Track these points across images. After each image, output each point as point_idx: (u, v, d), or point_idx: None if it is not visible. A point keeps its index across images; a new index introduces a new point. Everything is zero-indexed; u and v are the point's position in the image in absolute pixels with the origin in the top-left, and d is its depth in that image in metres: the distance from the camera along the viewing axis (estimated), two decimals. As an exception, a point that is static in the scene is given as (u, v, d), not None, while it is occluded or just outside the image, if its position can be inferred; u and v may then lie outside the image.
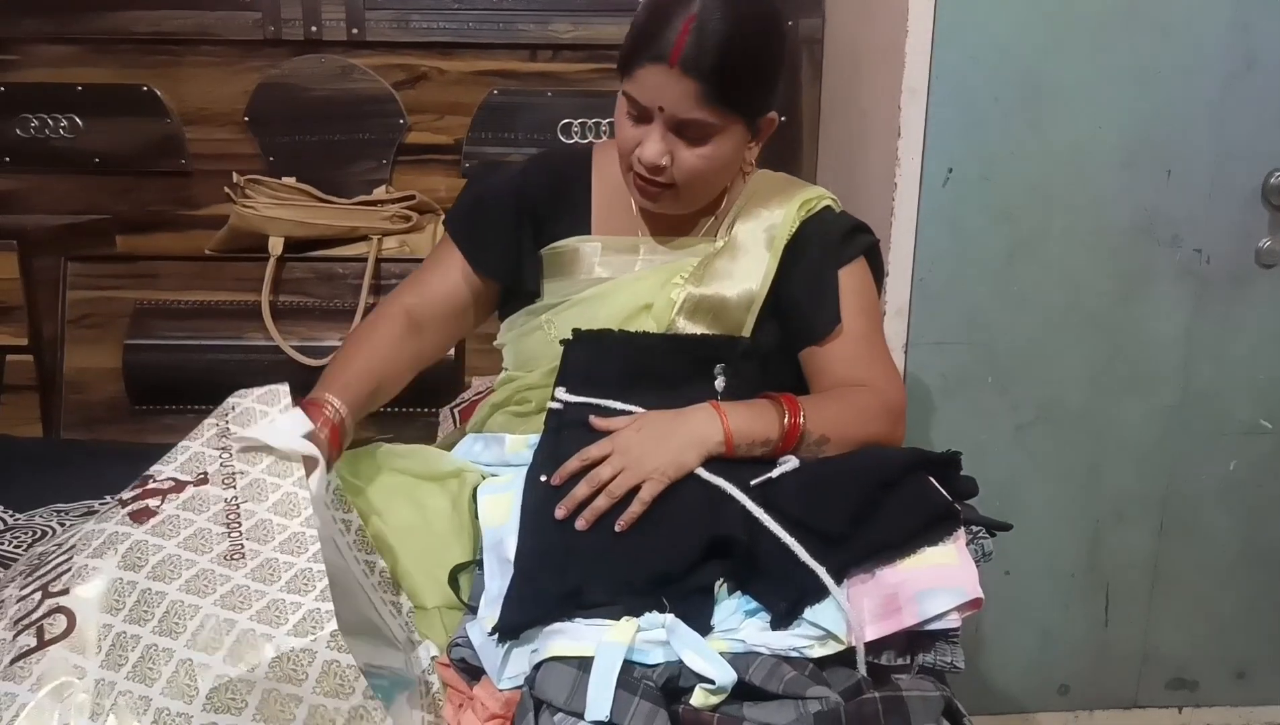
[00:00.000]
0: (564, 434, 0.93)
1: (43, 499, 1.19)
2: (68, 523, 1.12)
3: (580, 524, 0.86)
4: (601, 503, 0.86)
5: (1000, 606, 1.44)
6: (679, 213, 1.04)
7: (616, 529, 0.85)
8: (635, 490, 0.87)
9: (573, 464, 0.88)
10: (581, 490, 0.87)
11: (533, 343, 1.07)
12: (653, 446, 0.87)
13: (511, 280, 1.08)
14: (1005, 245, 1.31)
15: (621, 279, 1.04)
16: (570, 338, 1.00)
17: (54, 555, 0.86)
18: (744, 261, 1.02)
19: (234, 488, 0.84)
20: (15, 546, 1.08)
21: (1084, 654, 1.47)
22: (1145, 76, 1.26)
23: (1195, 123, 1.28)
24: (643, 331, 1.01)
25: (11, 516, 1.16)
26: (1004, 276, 1.32)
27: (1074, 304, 1.33)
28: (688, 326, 1.01)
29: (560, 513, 0.87)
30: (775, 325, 1.03)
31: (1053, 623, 1.46)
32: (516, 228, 1.07)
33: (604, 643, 0.77)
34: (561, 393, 0.96)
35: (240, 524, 0.82)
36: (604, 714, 0.73)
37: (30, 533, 1.11)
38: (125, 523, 0.81)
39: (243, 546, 0.80)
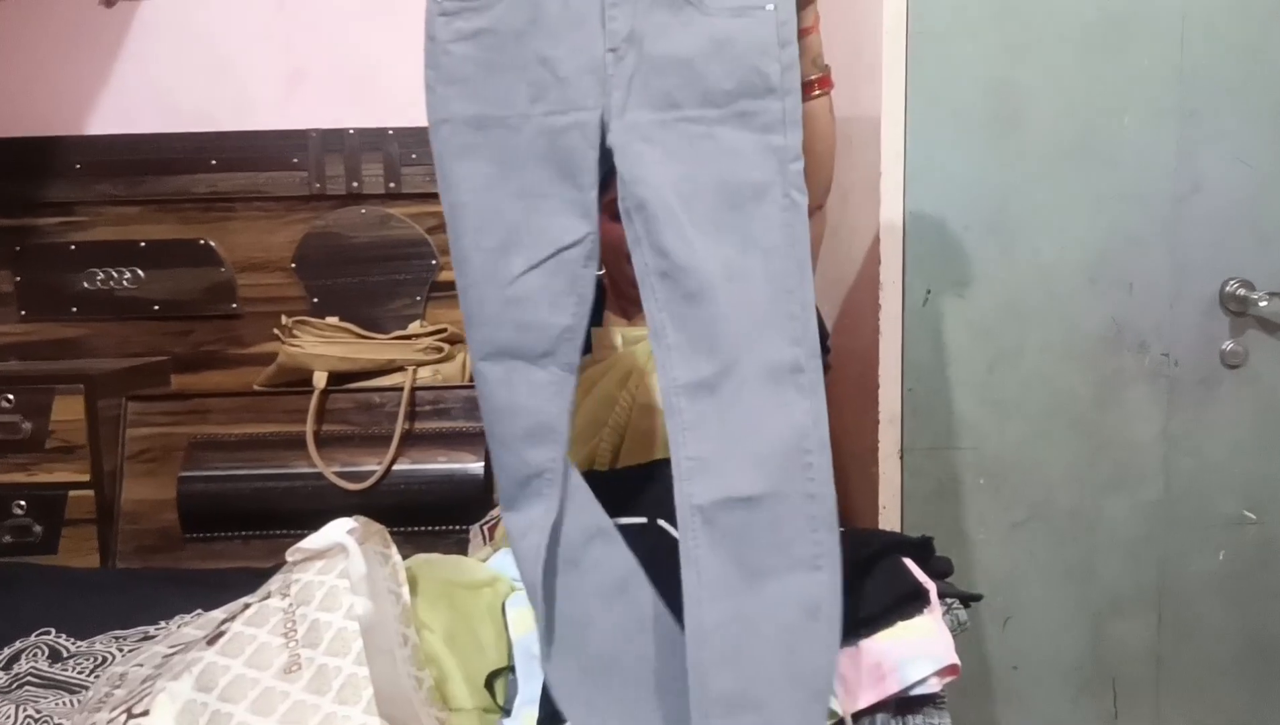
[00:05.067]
0: None
1: (102, 626, 1.26)
2: (126, 648, 1.20)
3: None
4: None
5: (1010, 701, 1.49)
6: None
7: None
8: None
9: None
10: None
11: None
12: None
13: None
14: (985, 358, 1.42)
15: (602, 364, 1.27)
16: None
17: (137, 680, 0.96)
18: None
19: (289, 596, 0.94)
20: (78, 672, 1.15)
21: (1096, 747, 1.51)
22: (1100, 204, 1.40)
23: (1151, 241, 1.41)
24: (623, 466, 1.20)
25: (74, 644, 1.23)
26: (986, 386, 1.43)
27: (1053, 409, 1.43)
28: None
29: None
30: None
31: (1062, 716, 1.50)
32: None
33: None
34: None
35: (296, 630, 0.91)
36: None
37: (91, 659, 1.18)
38: (202, 647, 0.91)
39: (299, 656, 0.89)
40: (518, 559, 0.93)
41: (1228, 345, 1.43)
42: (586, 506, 0.95)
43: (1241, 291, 1.40)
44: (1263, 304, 1.38)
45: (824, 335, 1.30)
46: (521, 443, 0.92)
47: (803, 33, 1.03)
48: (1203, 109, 1.38)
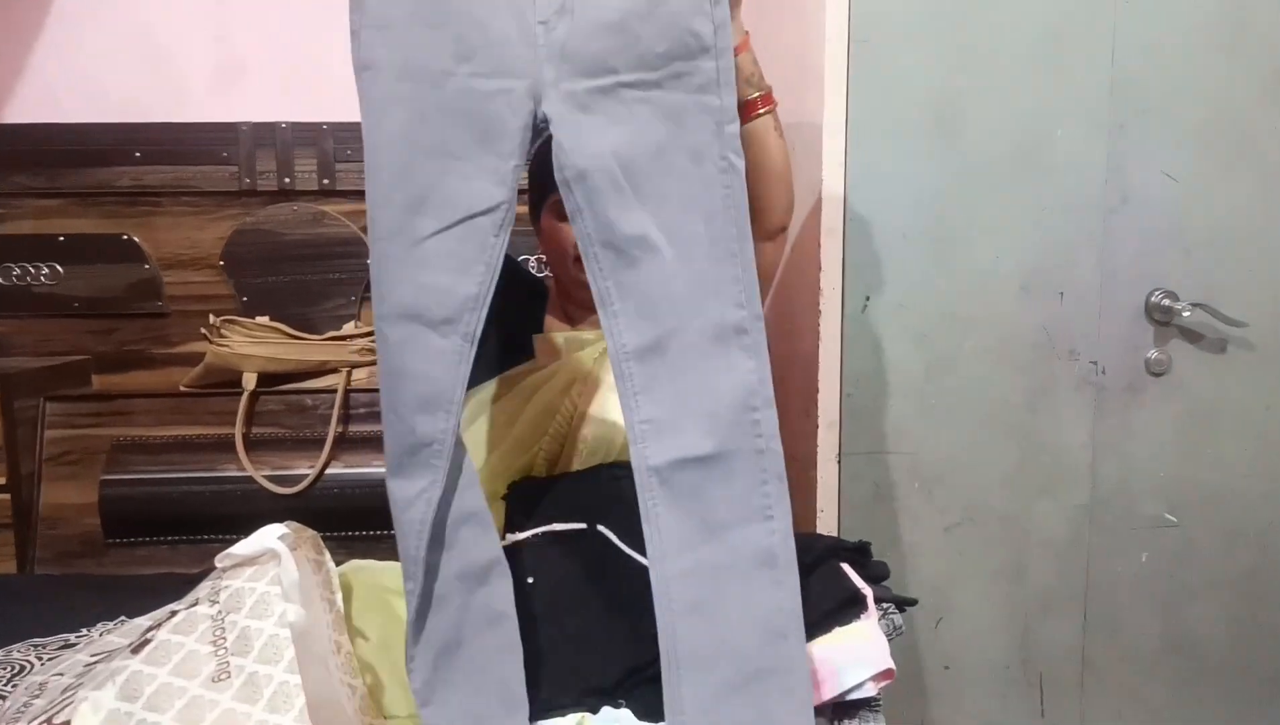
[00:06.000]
0: (519, 559, 1.04)
1: (19, 634, 1.22)
2: (45, 656, 1.16)
3: None
4: None
5: (942, 699, 1.52)
6: None
7: None
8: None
9: None
10: None
11: (479, 430, 1.26)
12: None
13: None
14: (921, 364, 1.44)
15: (544, 371, 1.26)
16: (508, 492, 1.19)
17: (57, 690, 0.92)
18: None
19: (218, 603, 0.93)
20: (-5, 681, 1.12)
21: (1025, 744, 1.55)
22: (1034, 214, 1.43)
23: (1081, 251, 1.45)
24: (566, 472, 1.21)
25: (-11, 652, 1.19)
26: (922, 392, 1.45)
27: (986, 415, 1.46)
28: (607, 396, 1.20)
29: None
30: None
31: (992, 713, 1.53)
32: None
33: None
34: (510, 537, 1.09)
35: (226, 638, 0.90)
36: None
37: (9, 667, 1.14)
38: (126, 656, 0.88)
39: (228, 664, 0.88)
40: (399, 529, 0.92)
41: (1152, 353, 1.47)
42: (468, 488, 0.95)
43: (1166, 302, 1.44)
44: (1186, 314, 1.43)
45: None
46: (413, 410, 0.90)
47: (734, 51, 1.03)
48: (1131, 123, 1.42)
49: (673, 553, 0.89)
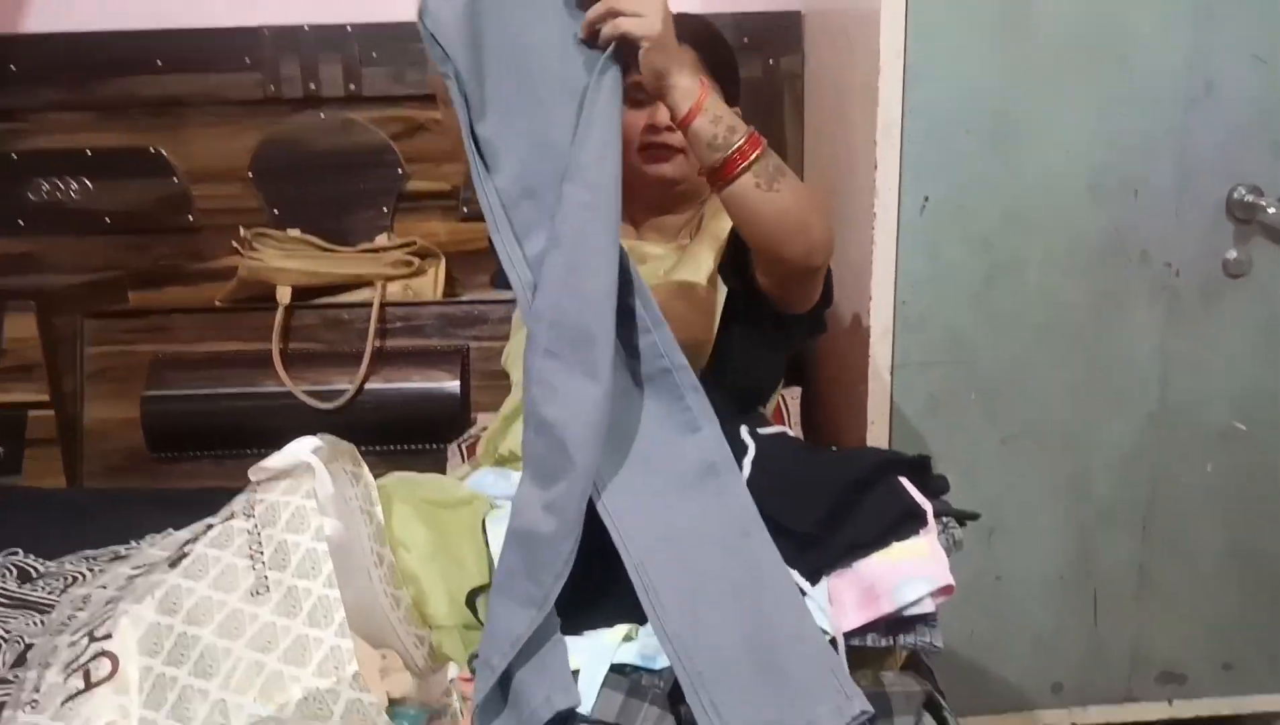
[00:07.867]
0: None
1: (71, 547, 1.23)
2: (96, 568, 1.17)
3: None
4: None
5: (993, 611, 1.49)
6: (682, 178, 1.24)
7: None
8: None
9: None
10: (596, 11, 0.95)
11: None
12: (665, 29, 0.95)
13: None
14: (983, 269, 1.37)
15: None
16: None
17: (100, 602, 0.92)
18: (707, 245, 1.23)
19: (254, 517, 0.91)
20: (48, 593, 1.13)
21: (1075, 653, 1.52)
22: (1107, 105, 1.33)
23: (1158, 145, 1.34)
24: None
25: (43, 564, 1.20)
26: (983, 298, 1.38)
27: (1051, 322, 1.39)
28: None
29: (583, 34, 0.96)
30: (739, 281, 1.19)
31: (1044, 625, 1.51)
32: None
33: (595, 644, 0.87)
34: None
35: (263, 552, 0.89)
36: (586, 709, 0.81)
37: (62, 579, 1.16)
38: (164, 570, 0.88)
39: (266, 578, 0.87)
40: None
41: (1232, 254, 1.38)
42: None
43: (1250, 198, 1.35)
44: (1271, 211, 1.33)
45: (829, 295, 1.23)
46: None
47: (684, 121, 0.99)
48: (1219, 3, 1.30)
49: (619, 496, 0.91)
